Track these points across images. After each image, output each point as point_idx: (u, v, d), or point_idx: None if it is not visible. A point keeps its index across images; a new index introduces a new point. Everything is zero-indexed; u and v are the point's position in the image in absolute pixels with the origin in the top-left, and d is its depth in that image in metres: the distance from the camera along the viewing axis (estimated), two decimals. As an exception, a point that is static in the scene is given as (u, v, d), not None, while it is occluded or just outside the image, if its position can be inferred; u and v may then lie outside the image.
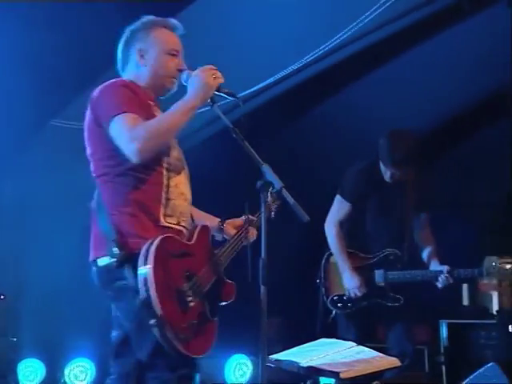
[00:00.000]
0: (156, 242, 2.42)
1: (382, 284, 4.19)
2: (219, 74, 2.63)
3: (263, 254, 2.47)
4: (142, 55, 2.73)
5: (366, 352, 3.38)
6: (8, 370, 4.75)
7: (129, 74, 2.78)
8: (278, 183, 2.49)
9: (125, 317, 2.56)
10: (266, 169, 2.52)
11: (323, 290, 4.39)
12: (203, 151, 4.86)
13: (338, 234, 4.27)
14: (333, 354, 3.35)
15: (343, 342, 3.58)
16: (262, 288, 2.45)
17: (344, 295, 4.27)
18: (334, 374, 3.16)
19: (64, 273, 5.16)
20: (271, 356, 3.30)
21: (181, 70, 2.74)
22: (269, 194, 2.56)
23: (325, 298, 4.37)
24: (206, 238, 2.74)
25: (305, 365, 3.23)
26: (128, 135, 2.48)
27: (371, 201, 4.25)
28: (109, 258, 2.50)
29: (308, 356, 3.32)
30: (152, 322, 2.32)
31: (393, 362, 3.31)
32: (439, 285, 4.11)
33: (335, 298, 4.32)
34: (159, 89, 2.77)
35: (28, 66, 4.53)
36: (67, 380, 5.39)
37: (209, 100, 2.70)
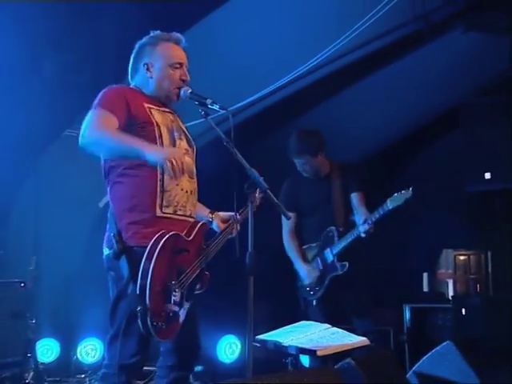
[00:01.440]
0: (163, 239, 2.40)
1: (332, 259, 4.15)
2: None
3: (250, 248, 2.45)
4: (148, 68, 2.70)
5: (339, 333, 3.35)
6: (28, 348, 4.69)
7: (137, 82, 2.75)
8: (263, 185, 2.47)
9: (112, 296, 2.56)
10: (253, 173, 2.50)
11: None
12: (198, 157, 4.83)
13: (290, 240, 4.30)
14: (311, 334, 3.32)
15: (320, 324, 3.55)
16: (249, 277, 2.43)
17: (310, 284, 4.24)
18: (312, 352, 3.13)
19: (76, 263, 5.12)
20: (257, 336, 3.26)
21: (184, 80, 2.71)
22: (256, 194, 2.54)
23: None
24: (202, 235, 2.68)
25: (286, 344, 3.21)
26: (91, 123, 2.47)
27: (301, 201, 4.26)
28: (108, 249, 2.51)
29: (289, 336, 3.28)
30: (138, 308, 2.31)
31: (363, 341, 3.28)
32: (362, 234, 3.98)
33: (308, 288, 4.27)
34: (164, 98, 2.73)
35: (46, 83, 4.50)
36: (79, 357, 5.36)
37: (203, 113, 2.69)
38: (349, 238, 4.07)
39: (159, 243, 2.39)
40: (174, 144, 2.63)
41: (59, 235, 5.13)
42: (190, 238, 2.59)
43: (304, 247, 4.31)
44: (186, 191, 2.63)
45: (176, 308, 2.47)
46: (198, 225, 2.66)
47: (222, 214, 2.90)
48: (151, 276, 2.33)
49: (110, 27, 4.18)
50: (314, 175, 4.26)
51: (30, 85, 4.45)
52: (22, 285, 4.72)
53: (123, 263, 2.42)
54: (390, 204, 3.91)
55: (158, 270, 2.36)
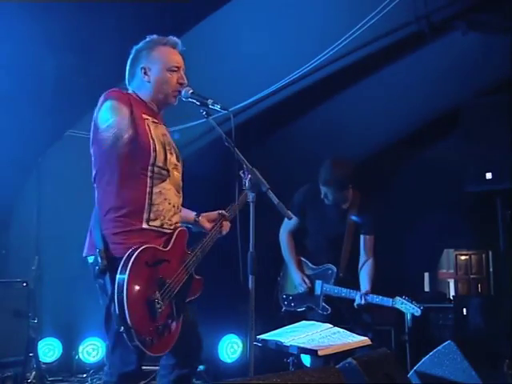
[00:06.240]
0: (135, 254, 2.34)
1: (318, 293, 4.17)
2: None
3: (251, 248, 2.44)
4: (145, 72, 2.66)
5: (341, 333, 3.33)
6: (30, 347, 4.69)
7: (134, 87, 2.72)
8: (264, 185, 2.45)
9: (103, 307, 2.48)
10: (254, 173, 2.48)
11: (279, 286, 4.41)
12: (200, 156, 4.84)
13: (288, 241, 4.30)
14: (312, 334, 3.30)
15: (321, 324, 3.53)
16: (251, 277, 2.42)
17: (291, 295, 4.28)
18: (313, 352, 3.12)
19: (78, 263, 5.10)
20: (259, 336, 3.25)
21: (181, 84, 2.68)
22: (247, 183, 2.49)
23: (279, 294, 4.38)
24: (182, 242, 2.63)
25: (288, 344, 3.19)
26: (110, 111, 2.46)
27: (310, 218, 4.19)
28: (93, 258, 2.45)
29: (290, 336, 3.26)
30: (121, 329, 2.26)
31: (365, 341, 3.27)
32: (356, 302, 4.00)
33: (284, 296, 4.33)
34: (161, 101, 2.70)
35: (49, 84, 4.50)
36: (81, 356, 5.37)
37: (204, 113, 2.67)
38: (342, 293, 4.06)
39: (131, 258, 2.33)
40: (165, 158, 2.59)
41: (61, 235, 5.12)
42: (168, 247, 2.53)
43: (301, 258, 4.30)
44: (173, 205, 2.61)
45: (167, 320, 2.42)
46: (176, 232, 2.61)
47: (207, 214, 2.86)
48: (127, 292, 2.27)
49: (112, 28, 4.19)
50: (335, 205, 4.12)
51: (32, 86, 4.45)
52: (24, 284, 4.72)
53: (107, 280, 2.36)
54: (394, 303, 3.91)
55: (133, 285, 2.30)
